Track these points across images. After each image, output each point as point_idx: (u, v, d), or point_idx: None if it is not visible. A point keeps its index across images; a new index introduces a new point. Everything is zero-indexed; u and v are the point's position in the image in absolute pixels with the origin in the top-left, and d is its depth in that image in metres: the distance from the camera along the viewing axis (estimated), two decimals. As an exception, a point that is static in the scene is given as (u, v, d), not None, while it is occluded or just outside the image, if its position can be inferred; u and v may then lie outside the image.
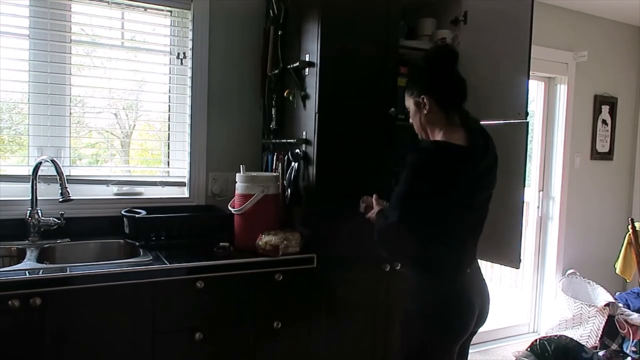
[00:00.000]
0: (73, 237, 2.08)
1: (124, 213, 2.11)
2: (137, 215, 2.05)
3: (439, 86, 1.58)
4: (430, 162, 1.48)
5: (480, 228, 1.63)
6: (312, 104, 2.03)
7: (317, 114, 2.01)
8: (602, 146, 3.88)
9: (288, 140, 2.18)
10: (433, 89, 1.58)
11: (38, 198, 2.03)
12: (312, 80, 2.04)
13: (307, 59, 2.06)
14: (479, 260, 1.69)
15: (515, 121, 1.92)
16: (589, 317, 3.30)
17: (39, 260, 1.78)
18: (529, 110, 1.93)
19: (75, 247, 2.05)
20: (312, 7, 2.04)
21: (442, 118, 1.58)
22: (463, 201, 1.53)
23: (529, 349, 2.98)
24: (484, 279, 1.68)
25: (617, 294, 3.53)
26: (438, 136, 1.57)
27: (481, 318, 1.64)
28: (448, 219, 1.53)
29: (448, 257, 1.56)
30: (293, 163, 2.11)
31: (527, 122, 1.90)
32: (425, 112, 1.59)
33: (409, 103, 1.65)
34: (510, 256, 1.93)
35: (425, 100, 1.58)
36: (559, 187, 3.66)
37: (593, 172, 3.85)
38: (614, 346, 3.23)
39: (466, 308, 1.56)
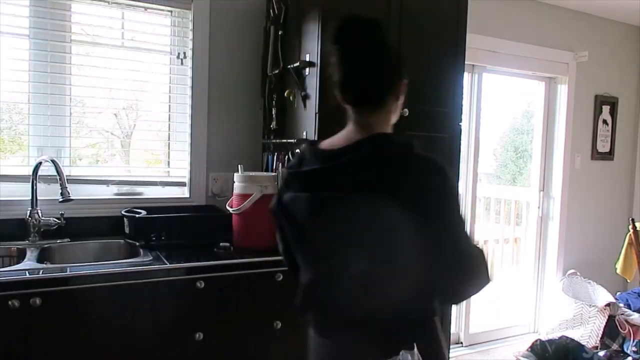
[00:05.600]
0: (73, 237, 2.08)
1: (124, 213, 2.11)
2: (137, 215, 2.05)
3: None
4: None
5: None
6: (312, 104, 2.03)
7: (317, 114, 2.00)
8: (603, 146, 3.88)
9: (288, 140, 2.17)
10: None
11: (38, 198, 2.03)
12: (312, 80, 2.04)
13: (307, 59, 2.06)
14: None
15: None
16: (589, 317, 3.29)
17: (39, 260, 1.78)
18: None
19: (75, 247, 2.05)
20: (312, 7, 2.04)
21: None
22: None
23: (529, 349, 2.98)
24: None
25: (617, 294, 3.53)
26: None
27: None
28: None
29: None
30: (293, 163, 2.11)
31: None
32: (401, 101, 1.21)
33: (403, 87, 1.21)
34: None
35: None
36: (560, 187, 3.66)
37: (594, 172, 3.85)
38: (615, 346, 3.23)
39: None
